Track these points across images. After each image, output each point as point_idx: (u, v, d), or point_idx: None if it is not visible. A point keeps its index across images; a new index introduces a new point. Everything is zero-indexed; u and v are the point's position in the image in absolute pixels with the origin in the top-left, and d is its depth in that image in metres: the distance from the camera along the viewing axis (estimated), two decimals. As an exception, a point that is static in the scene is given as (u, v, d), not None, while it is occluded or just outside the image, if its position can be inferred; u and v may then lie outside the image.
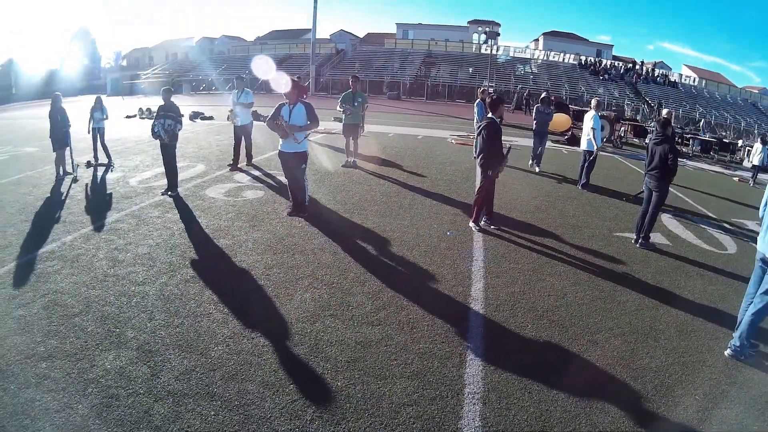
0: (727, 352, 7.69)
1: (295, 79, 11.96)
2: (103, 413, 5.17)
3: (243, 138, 17.00)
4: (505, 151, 11.56)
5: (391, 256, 9.96)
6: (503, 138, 11.70)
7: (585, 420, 5.71)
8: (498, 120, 11.52)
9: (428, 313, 7.74)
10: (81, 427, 5.00)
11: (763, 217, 7.94)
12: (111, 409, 5.24)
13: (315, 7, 48.16)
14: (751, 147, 34.36)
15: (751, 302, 7.77)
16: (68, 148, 15.39)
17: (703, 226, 14.41)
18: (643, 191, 12.39)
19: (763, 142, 27.00)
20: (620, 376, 6.65)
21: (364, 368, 6.20)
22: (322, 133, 25.23)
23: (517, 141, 27.93)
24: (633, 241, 12.16)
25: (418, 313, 7.72)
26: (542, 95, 22.79)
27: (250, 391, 5.60)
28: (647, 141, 12.65)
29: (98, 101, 17.19)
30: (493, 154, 11.36)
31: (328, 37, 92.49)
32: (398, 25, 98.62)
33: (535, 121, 20.76)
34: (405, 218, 12.26)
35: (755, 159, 26.39)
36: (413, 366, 6.35)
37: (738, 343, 7.63)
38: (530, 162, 21.10)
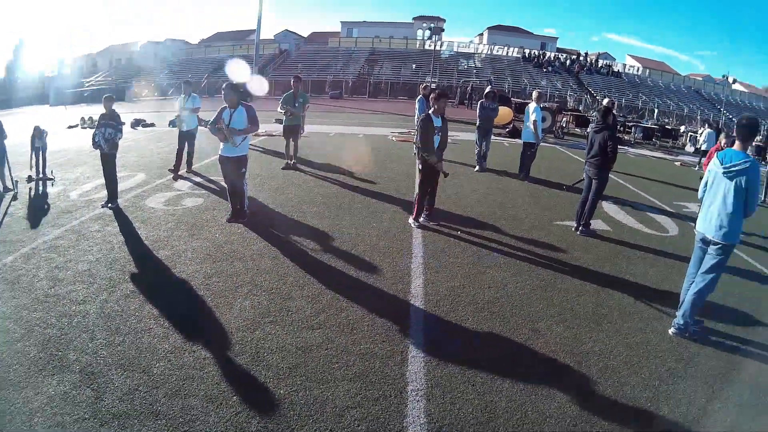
0: (671, 330, 8.01)
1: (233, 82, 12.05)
2: (49, 442, 5.14)
3: (186, 144, 16.88)
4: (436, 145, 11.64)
5: (330, 257, 10.07)
6: (449, 133, 11.87)
7: (531, 408, 5.89)
8: (438, 115, 11.65)
9: (368, 313, 7.86)
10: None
11: (702, 198, 8.23)
12: (57, 437, 5.21)
13: (260, 8, 47.77)
14: (694, 132, 35.23)
15: (693, 282, 8.08)
16: (6, 163, 15.03)
17: (645, 211, 14.86)
18: (582, 179, 12.71)
19: (710, 127, 27.62)
20: (565, 362, 6.90)
21: (305, 374, 6.27)
22: (262, 135, 25.12)
23: (458, 135, 28.26)
24: (573, 229, 12.50)
25: (358, 313, 7.84)
26: (486, 90, 21.87)
27: (194, 407, 5.62)
28: (588, 130, 12.94)
29: (37, 131, 16.86)
30: (425, 147, 11.48)
31: (273, 38, 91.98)
32: (343, 23, 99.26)
33: (479, 118, 19.95)
34: (344, 218, 12.42)
35: (703, 144, 26.92)
36: (355, 368, 6.45)
37: (682, 322, 7.94)
38: (476, 167, 19.94)
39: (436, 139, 11.58)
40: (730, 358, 7.42)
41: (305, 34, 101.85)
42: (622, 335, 7.70)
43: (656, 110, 61.53)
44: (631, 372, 6.73)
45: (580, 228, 12.40)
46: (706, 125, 30.65)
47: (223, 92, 11.45)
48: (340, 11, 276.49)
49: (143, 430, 5.29)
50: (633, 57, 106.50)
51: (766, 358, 7.54)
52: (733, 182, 7.60)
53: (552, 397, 6.06)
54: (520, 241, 11.50)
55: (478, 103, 20.79)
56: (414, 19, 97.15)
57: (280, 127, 19.16)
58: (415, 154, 11.97)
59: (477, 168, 19.75)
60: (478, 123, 19.96)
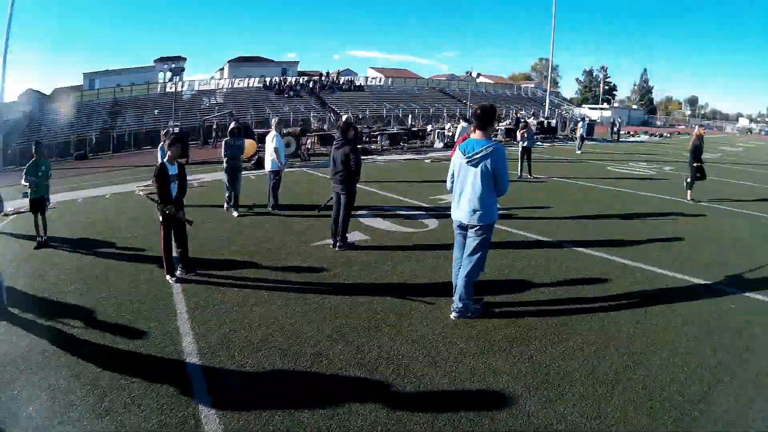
0: (453, 315, 8.75)
1: None
2: None
3: None
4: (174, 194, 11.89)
5: (96, 334, 9.78)
6: (193, 177, 12.02)
7: (337, 426, 6.30)
8: (173, 162, 11.89)
9: (150, 384, 7.78)
10: None
11: (452, 189, 8.89)
12: None
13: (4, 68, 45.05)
14: (442, 129, 37.84)
15: (461, 266, 8.70)
16: None
17: (401, 213, 15.55)
18: (332, 197, 13.15)
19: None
20: (357, 375, 7.42)
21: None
22: (11, 214, 23.82)
23: (204, 177, 28.87)
24: (332, 246, 13.09)
25: (141, 388, 7.72)
26: (231, 125, 20.87)
27: None
28: (332, 148, 13.53)
29: None
30: (162, 197, 11.69)
31: (16, 100, 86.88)
32: (85, 74, 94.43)
33: (224, 157, 18.98)
34: (103, 290, 11.94)
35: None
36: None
37: (461, 305, 8.65)
38: (226, 206, 19.64)
39: (174, 187, 11.79)
40: (521, 322, 8.17)
41: (49, 92, 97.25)
42: (404, 334, 8.30)
43: (400, 116, 64.23)
44: (424, 364, 7.31)
45: (338, 244, 12.94)
46: (461, 120, 32.32)
47: None
48: (82, 63, 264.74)
49: None
50: (375, 69, 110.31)
51: (552, 313, 8.34)
52: (479, 168, 8.35)
53: (355, 412, 6.51)
54: (281, 271, 11.94)
55: (223, 141, 19.99)
56: (155, 61, 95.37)
57: (26, 202, 18.42)
58: (156, 204, 11.93)
59: (235, 214, 18.88)
60: (225, 164, 19.08)
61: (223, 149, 19.39)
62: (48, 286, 12.86)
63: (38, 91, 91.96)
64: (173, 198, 11.94)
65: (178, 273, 12.23)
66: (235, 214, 18.82)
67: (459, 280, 8.88)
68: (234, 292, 11.08)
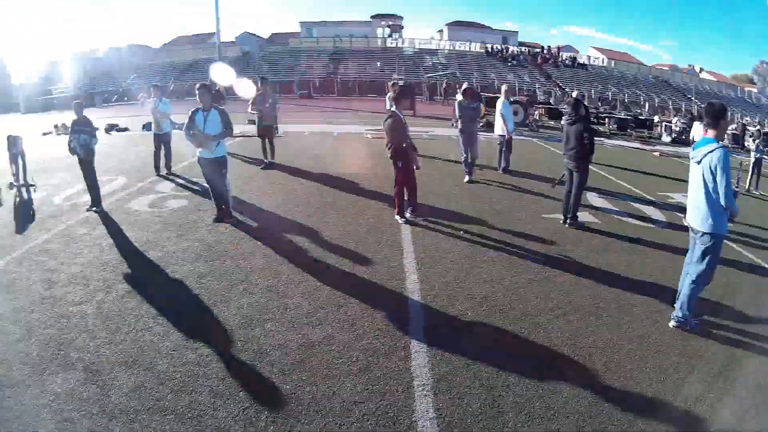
0: (672, 323, 7.99)
1: (206, 83, 12.04)
2: (61, 437, 5.13)
3: (163, 146, 16.91)
4: (410, 141, 11.77)
5: (322, 254, 10.05)
6: (422, 129, 11.88)
7: (538, 402, 5.87)
8: (400, 112, 11.74)
9: (367, 308, 7.85)
10: (40, 453, 4.96)
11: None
12: None
13: (216, 9, 47.31)
14: (669, 122, 35.59)
15: (687, 273, 8.11)
16: None
17: (630, 202, 14.84)
18: (564, 174, 12.67)
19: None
20: (569, 356, 6.87)
21: (310, 369, 6.28)
22: (238, 136, 24.97)
23: (432, 131, 28.31)
24: (561, 222, 12.44)
25: (357, 309, 7.82)
26: (464, 86, 18.38)
27: (201, 402, 5.64)
28: (562, 123, 12.92)
29: (10, 139, 16.66)
30: (398, 145, 11.55)
31: (234, 40, 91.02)
32: (302, 23, 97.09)
33: (459, 120, 16.85)
34: (331, 216, 12.40)
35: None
36: (359, 363, 6.45)
37: (681, 314, 7.92)
38: (465, 176, 17.00)
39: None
40: (734, 352, 7.41)
41: (266, 36, 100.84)
42: (623, 329, 7.70)
43: (626, 101, 61.88)
44: (635, 366, 6.73)
45: (568, 221, 12.43)
46: (696, 118, 30.51)
47: (197, 93, 11.44)
48: (296, 11, 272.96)
49: (152, 424, 5.32)
50: (596, 48, 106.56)
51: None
52: (701, 168, 7.65)
53: (559, 392, 6.05)
54: (510, 235, 11.48)
55: (456, 102, 17.71)
56: (372, 17, 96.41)
57: (254, 128, 19.06)
58: (388, 150, 11.82)
59: (466, 178, 16.98)
60: (459, 126, 16.94)
61: (456, 110, 17.21)
62: (273, 203, 13.45)
63: (255, 34, 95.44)
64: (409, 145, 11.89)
65: (407, 215, 12.26)
66: (466, 179, 17.03)
67: (684, 288, 8.34)
68: (462, 245, 10.84)
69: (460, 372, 6.34)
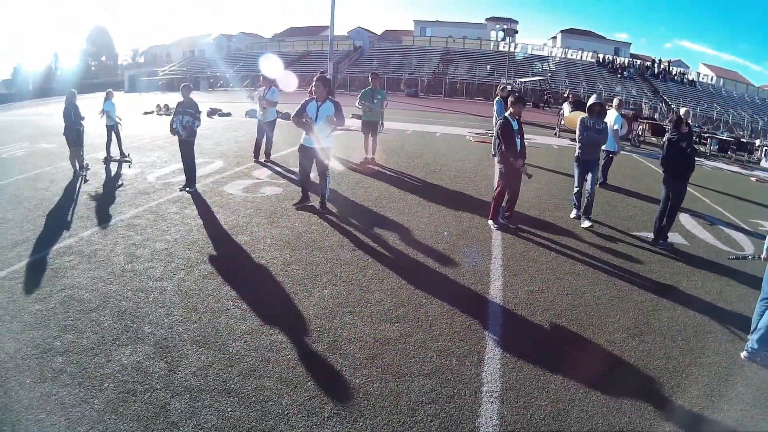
0: (743, 354, 7.57)
1: (325, 75, 11.99)
2: (119, 408, 5.15)
3: (265, 133, 17.02)
4: (520, 149, 11.43)
5: (409, 253, 9.87)
6: (527, 136, 11.58)
7: (602, 420, 5.65)
8: (515, 118, 11.44)
9: (447, 310, 7.67)
10: (96, 421, 4.97)
11: None
12: (127, 404, 5.21)
13: (333, 4, 47.91)
14: (774, 147, 34.18)
15: (766, 307, 7.69)
16: (82, 145, 15.36)
17: (721, 227, 14.21)
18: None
19: None
20: (637, 377, 6.57)
21: (382, 365, 6.15)
22: (342, 129, 25.04)
23: (534, 139, 27.74)
24: (651, 241, 11.95)
25: (436, 310, 7.64)
26: (591, 100, 13.67)
27: (267, 388, 5.56)
28: (664, 140, 12.31)
29: (109, 94, 17.27)
30: (506, 151, 11.23)
31: (346, 34, 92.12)
32: (416, 22, 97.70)
33: (579, 143, 12.88)
34: (424, 215, 12.18)
35: None
36: (431, 364, 6.29)
37: (755, 346, 7.51)
38: (573, 213, 13.40)
39: (517, 141, 11.36)
40: None
41: (378, 32, 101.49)
42: (695, 354, 7.32)
43: (730, 122, 60.01)
44: (701, 394, 6.38)
45: (659, 241, 11.95)
46: None
47: (314, 84, 11.48)
48: (411, 10, 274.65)
49: (215, 405, 5.28)
50: (706, 65, 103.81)
51: None
52: None
53: (623, 412, 5.80)
54: (598, 250, 11.11)
55: (578, 121, 13.14)
56: (486, 20, 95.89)
57: (358, 122, 19.08)
58: (493, 155, 11.49)
59: (573, 213, 13.41)
60: (577, 152, 13.07)
61: (578, 131, 12.98)
62: (368, 198, 13.39)
63: (368, 30, 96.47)
64: (519, 152, 11.53)
65: (500, 221, 11.94)
66: (573, 214, 13.35)
67: (762, 320, 7.90)
68: (549, 255, 10.53)
69: (529, 382, 6.13)
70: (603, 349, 7.14)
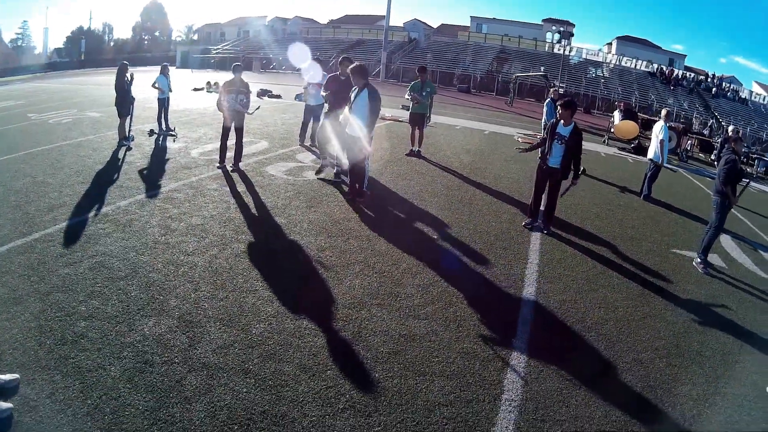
0: None
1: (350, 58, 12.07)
2: (134, 378, 5.17)
3: (313, 118, 16.89)
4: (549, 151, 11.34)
5: (445, 250, 9.76)
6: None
7: None
8: (567, 125, 11.27)
9: (476, 312, 7.52)
10: (111, 388, 5.00)
11: None
12: (143, 374, 5.23)
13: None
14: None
15: None
16: (130, 116, 15.51)
17: (762, 252, 13.93)
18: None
19: None
20: (660, 401, 6.37)
21: (404, 362, 6.06)
22: (388, 120, 24.98)
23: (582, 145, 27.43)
24: (693, 261, 11.72)
25: (466, 311, 7.50)
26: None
27: (286, 372, 5.52)
28: (713, 157, 12.11)
29: (164, 68, 17.44)
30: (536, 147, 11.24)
31: (402, 25, 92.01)
32: (473, 18, 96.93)
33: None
34: (464, 213, 12.02)
35: None
36: (454, 365, 6.18)
37: None
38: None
39: (557, 147, 11.21)
40: None
41: (434, 25, 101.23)
42: (722, 383, 7.14)
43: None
44: (722, 426, 6.28)
45: (699, 259, 11.70)
46: None
47: (350, 69, 11.40)
48: (468, 5, 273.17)
49: (230, 384, 5.26)
50: (759, 84, 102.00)
51: None
52: None
53: None
54: (635, 265, 10.82)
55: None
56: (543, 20, 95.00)
57: (406, 114, 18.97)
58: (523, 150, 11.40)
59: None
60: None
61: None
62: (410, 190, 13.27)
63: (424, 22, 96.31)
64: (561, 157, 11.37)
65: (536, 224, 11.82)
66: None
67: None
68: (587, 265, 10.25)
69: (550, 395, 5.98)
70: (629, 368, 6.94)
